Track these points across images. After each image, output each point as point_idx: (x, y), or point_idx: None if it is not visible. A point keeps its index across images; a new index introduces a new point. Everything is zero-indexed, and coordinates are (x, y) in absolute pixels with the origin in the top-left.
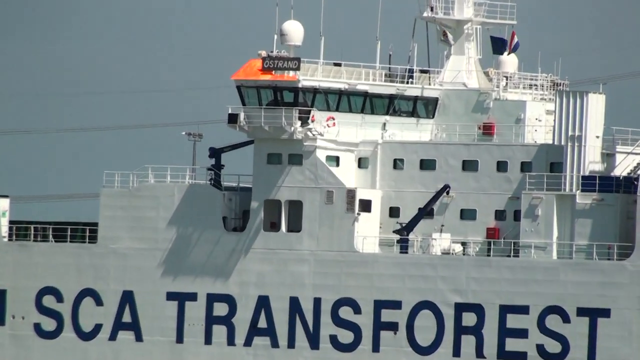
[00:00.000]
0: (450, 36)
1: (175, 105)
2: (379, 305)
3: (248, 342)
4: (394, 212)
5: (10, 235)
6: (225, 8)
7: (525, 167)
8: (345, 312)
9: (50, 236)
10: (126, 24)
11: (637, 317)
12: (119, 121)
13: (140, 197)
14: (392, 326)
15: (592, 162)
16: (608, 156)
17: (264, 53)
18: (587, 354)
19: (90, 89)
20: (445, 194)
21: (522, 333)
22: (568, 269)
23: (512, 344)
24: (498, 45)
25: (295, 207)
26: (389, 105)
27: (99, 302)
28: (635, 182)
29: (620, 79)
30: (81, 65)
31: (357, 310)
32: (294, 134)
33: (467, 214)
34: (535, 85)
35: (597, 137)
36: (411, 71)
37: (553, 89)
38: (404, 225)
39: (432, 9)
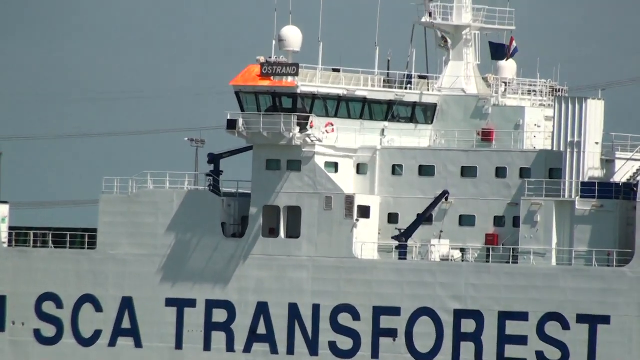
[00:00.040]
0: (449, 42)
1: (175, 111)
2: (378, 311)
3: (247, 349)
4: (392, 218)
5: (9, 241)
6: (223, 14)
7: (524, 173)
8: (345, 319)
9: (50, 242)
10: (125, 29)
11: (637, 324)
12: (120, 127)
13: (140, 203)
14: (391, 333)
15: (592, 168)
16: (607, 162)
17: (262, 59)
18: None
19: (91, 94)
20: (444, 200)
21: (522, 340)
22: (568, 276)
23: (512, 351)
24: (497, 51)
25: (294, 213)
26: (388, 111)
27: (98, 308)
28: (635, 189)
29: (619, 85)
30: (81, 70)
31: (356, 316)
32: (292, 140)
33: (466, 220)
34: (534, 91)
35: (597, 143)
36: (410, 77)
37: (552, 95)
38: (402, 231)
39: (430, 15)
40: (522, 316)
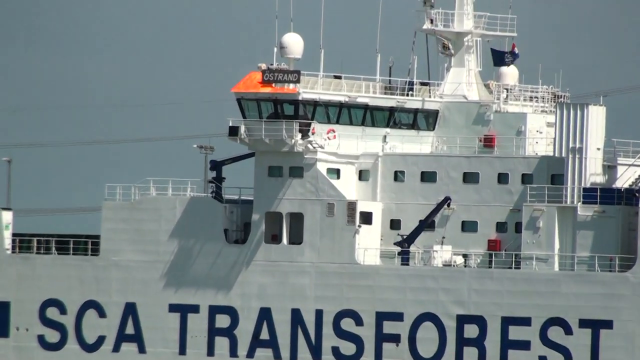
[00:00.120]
0: (451, 48)
1: (184, 119)
2: (381, 317)
3: (250, 354)
4: (395, 224)
5: (13, 248)
6: (225, 21)
7: (526, 179)
8: (347, 324)
9: (53, 248)
10: (128, 35)
11: (639, 329)
12: (128, 135)
13: (142, 209)
14: (394, 338)
15: (593, 174)
16: (609, 168)
17: (264, 66)
18: None
19: (99, 102)
20: (446, 206)
21: (525, 345)
22: (570, 281)
23: (515, 356)
24: (498, 58)
25: (297, 220)
26: (390, 117)
27: (102, 314)
28: (637, 194)
29: (621, 92)
30: (90, 79)
31: (358, 322)
32: (294, 147)
33: (468, 226)
34: (536, 97)
35: (598, 149)
36: (411, 83)
37: (554, 101)
38: (405, 237)
39: (432, 22)
40: (525, 321)
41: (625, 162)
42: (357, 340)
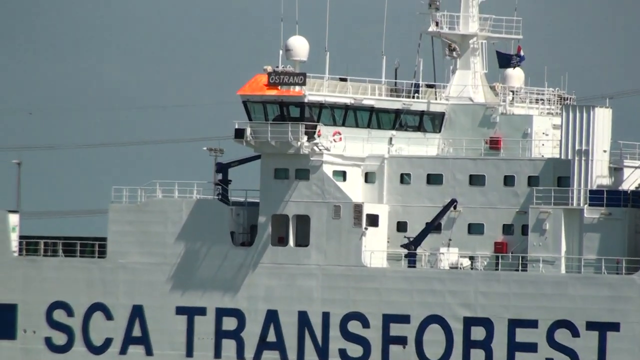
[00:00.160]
0: (457, 49)
1: (192, 121)
2: (388, 319)
3: (257, 356)
4: (401, 226)
5: (20, 250)
6: (230, 23)
7: (532, 181)
8: (354, 326)
9: (60, 251)
10: (135, 38)
11: None
12: (138, 137)
13: (149, 212)
14: (401, 340)
15: (600, 176)
16: (616, 170)
17: (269, 68)
18: None
19: (109, 106)
20: (452, 208)
21: (531, 347)
22: (577, 283)
23: (521, 358)
24: (504, 60)
25: (303, 222)
26: (396, 120)
27: (109, 316)
28: None
29: (627, 94)
30: (99, 82)
31: (365, 324)
32: (300, 149)
33: (474, 229)
34: (542, 99)
35: (605, 151)
36: (417, 86)
37: (560, 104)
38: (411, 239)
39: (437, 24)
40: (532, 324)
41: (631, 165)
42: (364, 342)
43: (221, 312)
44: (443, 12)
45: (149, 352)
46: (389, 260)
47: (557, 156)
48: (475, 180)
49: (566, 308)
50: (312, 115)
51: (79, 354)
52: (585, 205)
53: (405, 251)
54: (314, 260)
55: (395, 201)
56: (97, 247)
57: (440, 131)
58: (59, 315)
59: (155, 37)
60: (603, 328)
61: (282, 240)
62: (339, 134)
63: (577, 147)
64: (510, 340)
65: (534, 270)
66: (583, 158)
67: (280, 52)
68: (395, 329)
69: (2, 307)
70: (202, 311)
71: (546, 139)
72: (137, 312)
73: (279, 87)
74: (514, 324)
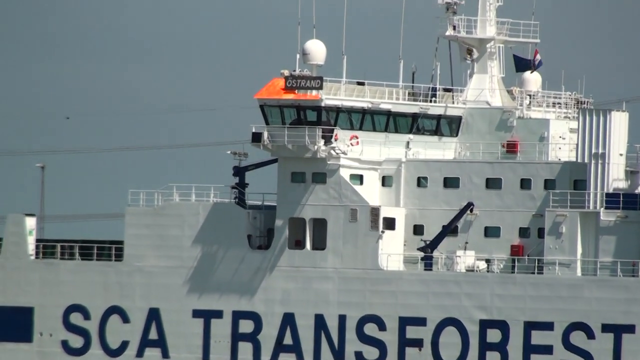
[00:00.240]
0: (474, 53)
1: (205, 125)
2: (404, 322)
3: (274, 359)
4: (418, 229)
5: (37, 254)
6: (248, 27)
7: (549, 184)
8: (371, 329)
9: (77, 254)
10: (155, 42)
11: None
12: (161, 141)
13: (165, 215)
14: (417, 343)
15: (616, 180)
16: (632, 174)
17: (286, 72)
18: None
19: (133, 109)
20: (469, 211)
21: (547, 349)
22: (592, 286)
23: None
24: (521, 64)
25: (320, 225)
26: (413, 123)
27: (125, 319)
28: None
29: None
30: (122, 86)
31: (382, 327)
32: (317, 153)
33: (491, 232)
34: (559, 103)
35: (621, 154)
36: (434, 90)
37: (576, 107)
38: (428, 242)
39: (454, 28)
40: (548, 326)
41: None
42: (380, 345)
43: (238, 315)
44: (460, 16)
45: (165, 355)
46: (406, 263)
47: (574, 159)
48: (492, 183)
49: (582, 310)
50: (329, 119)
51: (95, 357)
52: (602, 209)
53: (422, 254)
54: (331, 264)
55: (412, 204)
56: (114, 250)
57: (457, 135)
58: (76, 318)
59: (175, 41)
60: (618, 330)
61: (299, 244)
62: (356, 137)
63: (593, 151)
64: (525, 343)
65: (550, 273)
66: (599, 161)
67: (298, 56)
68: (412, 332)
69: (19, 310)
70: (218, 314)
71: (563, 143)
72: (154, 315)
73: (296, 91)
74: (530, 327)
